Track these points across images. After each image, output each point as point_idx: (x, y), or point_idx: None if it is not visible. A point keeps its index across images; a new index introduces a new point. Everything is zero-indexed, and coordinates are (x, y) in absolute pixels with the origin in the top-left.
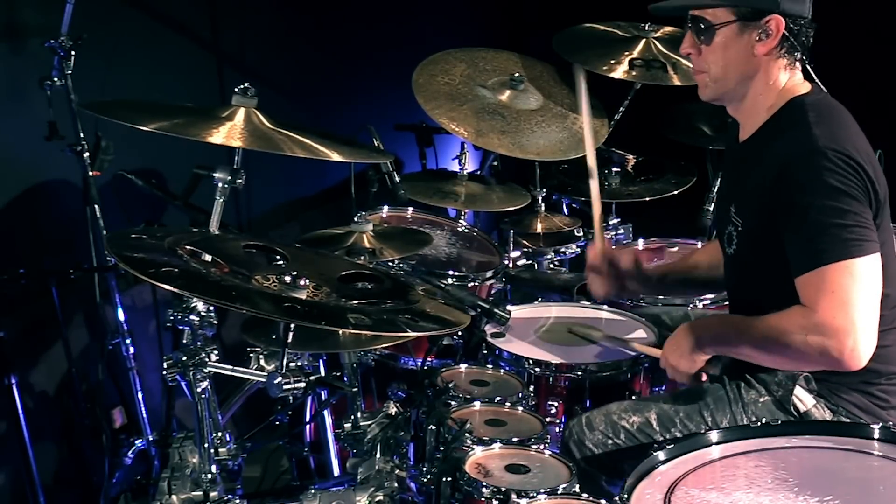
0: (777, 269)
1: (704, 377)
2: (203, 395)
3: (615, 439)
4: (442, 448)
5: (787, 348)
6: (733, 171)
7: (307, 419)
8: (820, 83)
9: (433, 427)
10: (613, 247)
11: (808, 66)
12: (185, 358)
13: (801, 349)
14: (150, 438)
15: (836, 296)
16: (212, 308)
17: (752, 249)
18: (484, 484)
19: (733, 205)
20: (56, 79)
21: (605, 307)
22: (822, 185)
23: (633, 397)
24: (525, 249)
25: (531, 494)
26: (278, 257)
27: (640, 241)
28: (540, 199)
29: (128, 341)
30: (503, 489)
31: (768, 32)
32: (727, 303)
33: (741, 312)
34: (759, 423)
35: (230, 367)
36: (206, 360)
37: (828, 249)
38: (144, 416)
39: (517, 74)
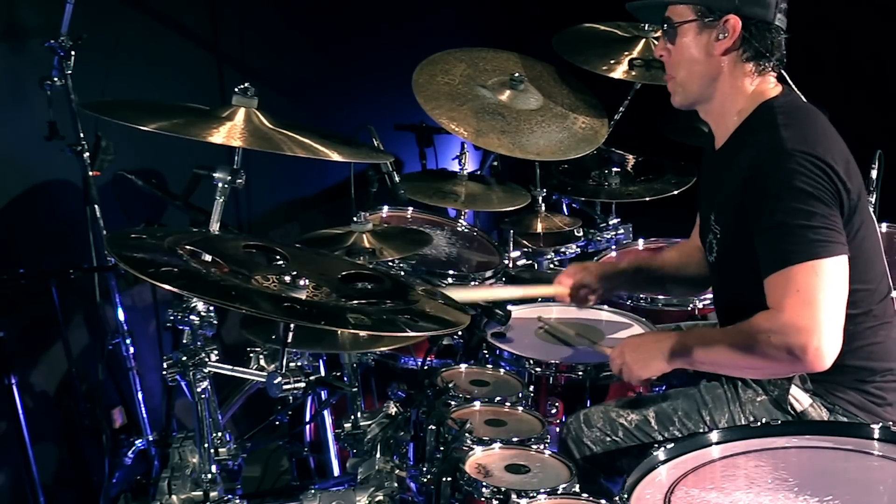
0: (757, 274)
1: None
2: (203, 395)
3: (613, 437)
4: (442, 448)
5: (752, 352)
6: (710, 180)
7: (307, 419)
8: (794, 87)
9: (433, 427)
10: (568, 270)
11: (783, 72)
12: (185, 358)
13: (766, 351)
14: (150, 438)
15: (800, 295)
16: (212, 308)
17: (732, 256)
18: (484, 484)
19: (712, 213)
20: (56, 79)
21: (606, 307)
22: (788, 187)
23: (633, 395)
24: (525, 249)
25: (531, 494)
26: (278, 257)
27: (640, 241)
28: (540, 199)
29: (128, 341)
30: (503, 489)
31: (725, 32)
32: (713, 303)
33: (726, 318)
34: (758, 423)
35: (230, 367)
36: (206, 360)
37: (793, 250)
38: (144, 416)
39: (517, 74)
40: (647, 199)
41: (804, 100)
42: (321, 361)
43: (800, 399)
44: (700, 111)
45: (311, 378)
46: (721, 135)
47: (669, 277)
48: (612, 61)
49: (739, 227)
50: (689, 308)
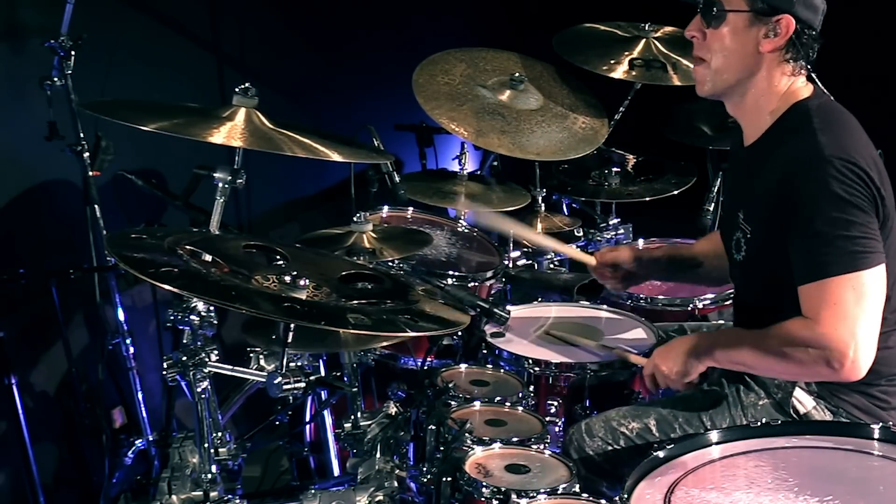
0: (786, 276)
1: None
2: (203, 395)
3: (615, 446)
4: (442, 448)
5: (788, 360)
6: (739, 177)
7: (307, 419)
8: (824, 88)
9: (433, 427)
10: (605, 248)
11: (812, 74)
12: (185, 358)
13: (802, 361)
14: (150, 438)
15: (838, 308)
16: (212, 308)
17: (762, 256)
18: (484, 484)
19: (741, 211)
20: (56, 79)
21: (605, 307)
22: (828, 194)
23: (633, 398)
24: (525, 249)
25: (531, 494)
26: (278, 257)
27: (640, 241)
28: (540, 199)
29: (128, 341)
30: (503, 489)
31: (777, 31)
32: (727, 302)
33: (747, 317)
34: (759, 423)
35: (230, 367)
36: (206, 360)
37: (832, 262)
38: (144, 416)
39: (517, 74)
40: (647, 199)
41: (835, 102)
42: (321, 361)
43: (803, 402)
44: (729, 106)
45: (311, 378)
46: (751, 132)
47: (703, 268)
48: (612, 61)
49: (772, 230)
50: (689, 308)
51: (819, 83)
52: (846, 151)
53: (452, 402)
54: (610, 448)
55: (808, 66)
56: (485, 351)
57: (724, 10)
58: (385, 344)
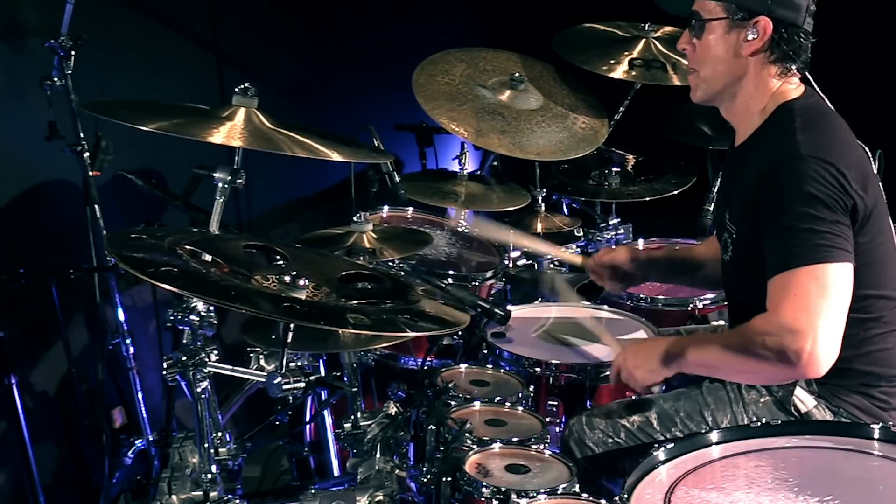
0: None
1: (655, 390)
2: (203, 395)
3: (615, 438)
4: (442, 448)
5: (747, 354)
6: (728, 177)
7: (307, 419)
8: (818, 89)
9: (433, 427)
10: (602, 250)
11: (807, 74)
12: (185, 358)
13: (760, 353)
14: (150, 438)
15: (798, 299)
16: (212, 308)
17: (746, 256)
18: (484, 484)
19: (727, 211)
20: (56, 79)
21: (606, 307)
22: (798, 191)
23: (634, 397)
24: (525, 249)
25: (531, 494)
26: (278, 257)
27: (640, 241)
28: (540, 199)
29: (128, 341)
30: (503, 489)
31: (755, 33)
32: (727, 303)
33: (739, 317)
34: (759, 423)
35: (230, 367)
36: (206, 360)
37: (796, 253)
38: (144, 416)
39: (517, 74)
40: (647, 199)
41: (828, 103)
42: (321, 361)
43: (804, 401)
44: (722, 110)
45: (311, 378)
46: (741, 133)
47: (703, 271)
48: (612, 61)
49: (752, 228)
50: (689, 308)
51: (814, 84)
52: (824, 152)
53: (452, 402)
54: (610, 441)
55: (802, 67)
56: (485, 351)
57: (703, 21)
58: (385, 344)
